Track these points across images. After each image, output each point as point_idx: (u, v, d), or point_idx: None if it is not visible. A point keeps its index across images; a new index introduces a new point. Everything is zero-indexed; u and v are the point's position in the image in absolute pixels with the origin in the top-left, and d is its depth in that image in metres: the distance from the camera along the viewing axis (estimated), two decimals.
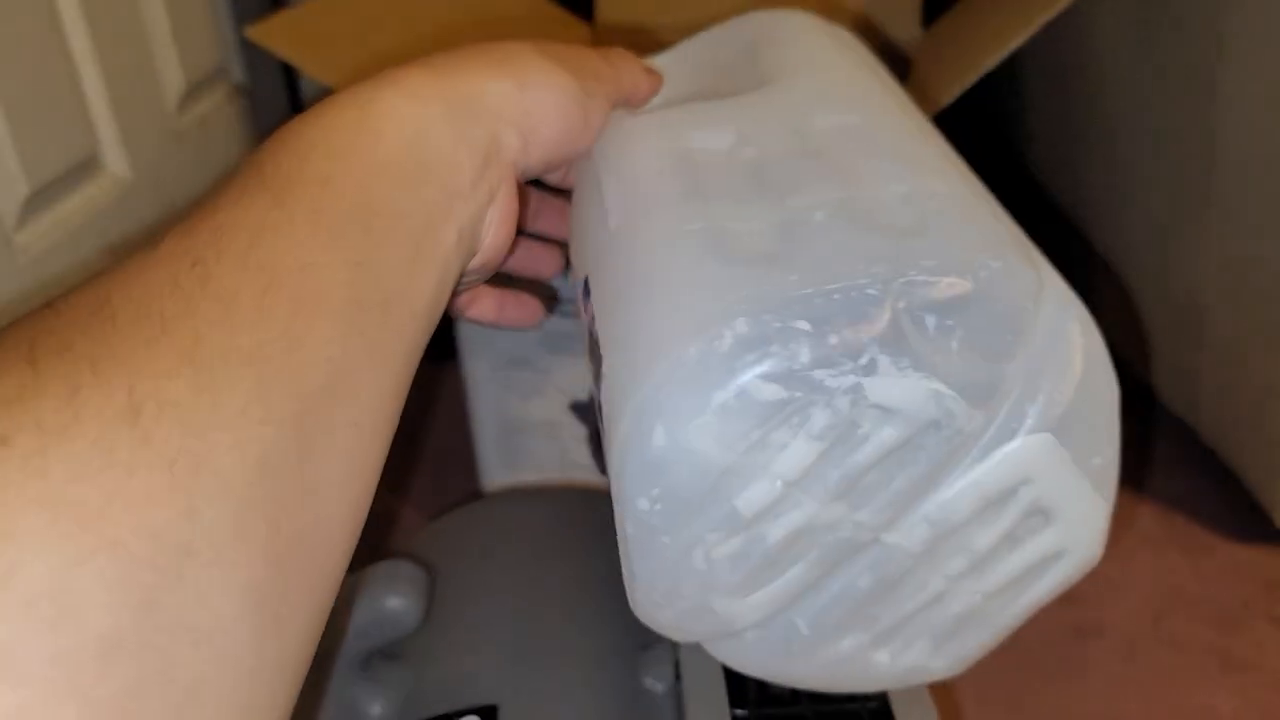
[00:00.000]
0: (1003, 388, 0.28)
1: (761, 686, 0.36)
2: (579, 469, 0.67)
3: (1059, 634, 0.63)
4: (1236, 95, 0.62)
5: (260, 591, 0.23)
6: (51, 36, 0.77)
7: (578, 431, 0.66)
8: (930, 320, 0.27)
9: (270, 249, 0.25)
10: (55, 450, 0.20)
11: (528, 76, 0.34)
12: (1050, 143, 0.90)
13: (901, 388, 0.27)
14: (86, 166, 0.82)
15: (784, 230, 0.29)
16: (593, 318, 0.31)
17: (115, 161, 0.86)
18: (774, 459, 0.27)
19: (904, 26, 0.72)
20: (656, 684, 0.40)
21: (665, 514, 0.28)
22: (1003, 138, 0.99)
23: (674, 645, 0.39)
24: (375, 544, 0.51)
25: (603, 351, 0.30)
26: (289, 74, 1.15)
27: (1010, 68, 0.93)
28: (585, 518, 0.48)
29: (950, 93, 0.55)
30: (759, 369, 0.26)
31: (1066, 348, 0.28)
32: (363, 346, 0.27)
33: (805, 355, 0.26)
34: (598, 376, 0.30)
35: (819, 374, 0.26)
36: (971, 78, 0.54)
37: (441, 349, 0.91)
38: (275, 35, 0.58)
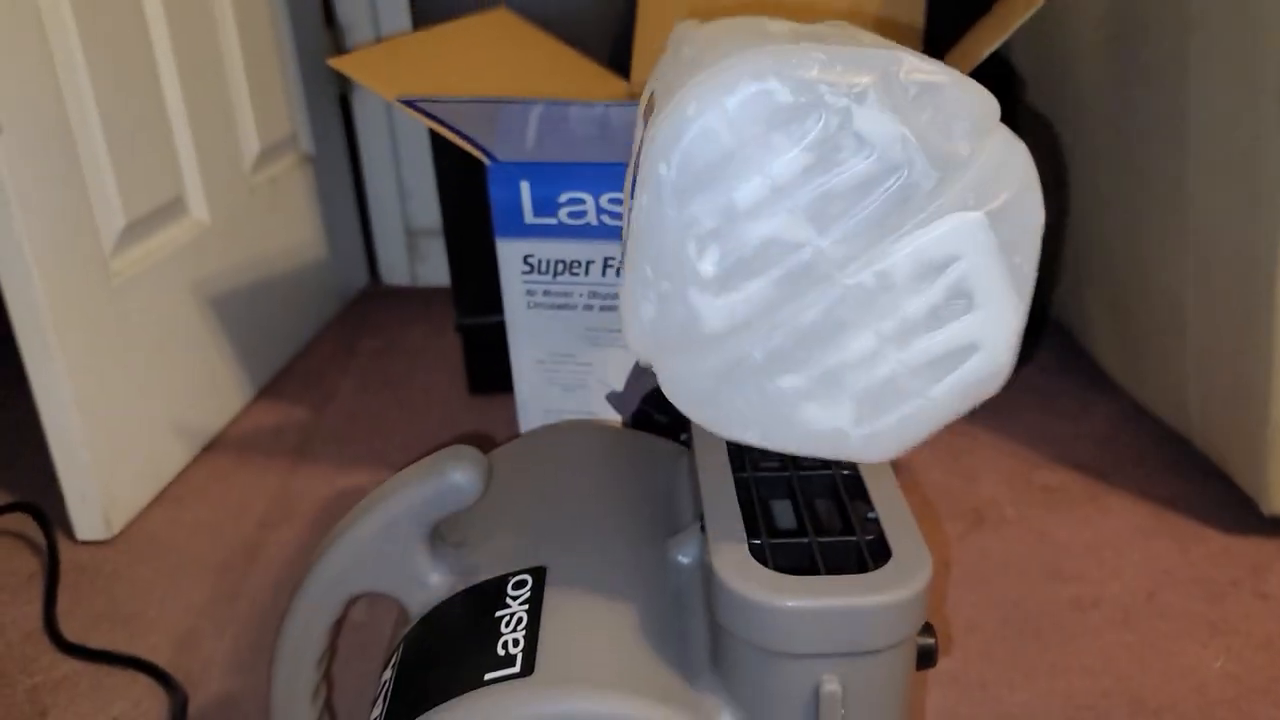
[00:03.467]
0: (954, 163, 0.36)
1: (770, 523, 0.42)
2: None
3: (1057, 606, 0.68)
4: (1201, 112, 0.70)
5: None
6: (151, 96, 0.88)
7: (614, 419, 0.72)
8: (912, 89, 0.35)
9: None
10: None
11: None
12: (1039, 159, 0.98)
13: (880, 124, 0.35)
14: (174, 209, 0.92)
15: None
16: (653, 93, 0.39)
17: (198, 207, 0.95)
18: (770, 161, 0.35)
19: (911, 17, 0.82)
20: (684, 558, 0.46)
21: (678, 184, 0.35)
22: None
23: (701, 528, 0.45)
24: None
25: (658, 102, 0.38)
26: (352, 146, 1.26)
27: (1007, 106, 1.02)
28: (624, 440, 0.54)
29: None
30: (778, 76, 0.35)
31: (1012, 163, 0.36)
32: None
33: (814, 71, 0.35)
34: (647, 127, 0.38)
35: (822, 88, 0.35)
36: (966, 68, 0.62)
37: (495, 382, 0.98)
38: (352, 65, 0.67)
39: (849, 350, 0.37)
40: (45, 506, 0.86)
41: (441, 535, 0.48)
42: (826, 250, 0.36)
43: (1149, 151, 0.77)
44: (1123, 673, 0.62)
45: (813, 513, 0.43)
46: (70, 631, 0.72)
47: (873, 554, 0.40)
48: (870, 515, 0.42)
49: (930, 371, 0.38)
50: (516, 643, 0.40)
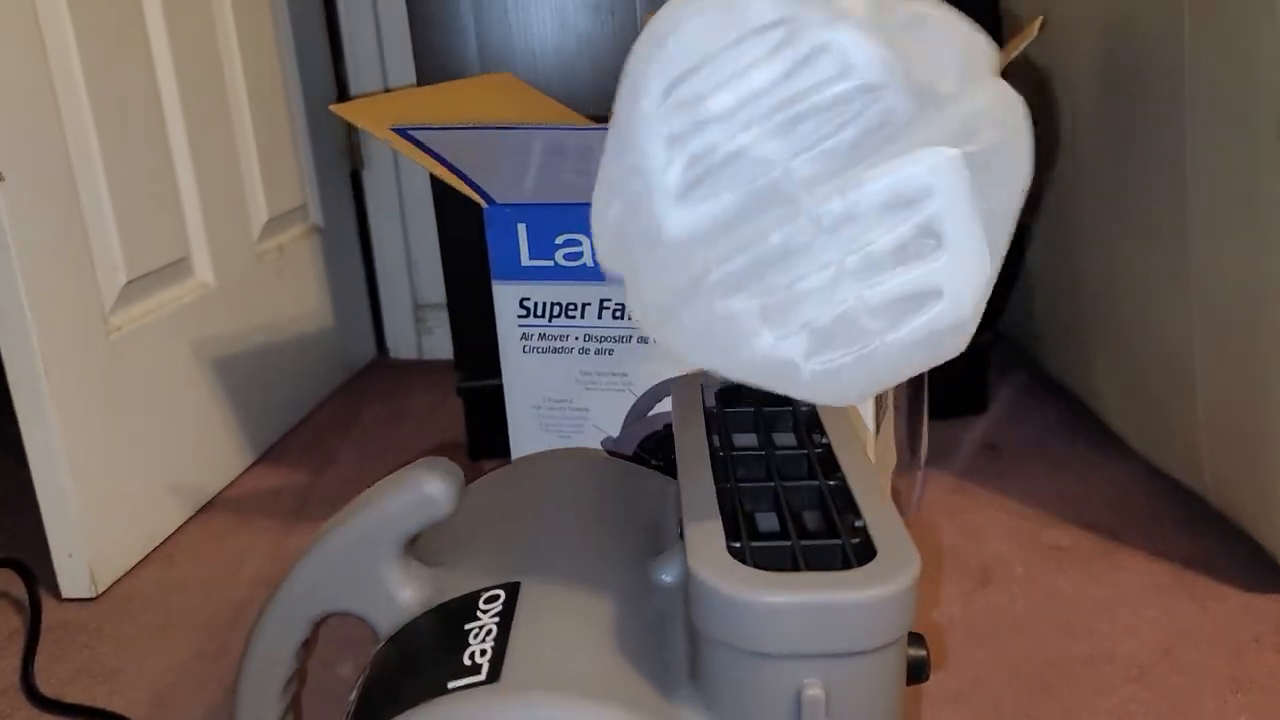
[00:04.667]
0: (936, 97, 0.35)
1: (751, 526, 0.40)
2: None
3: (1069, 662, 0.65)
4: (1200, 159, 0.70)
5: None
6: (158, 156, 0.89)
7: None
8: (902, 17, 0.34)
9: None
10: None
11: None
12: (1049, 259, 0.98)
13: (860, 44, 0.34)
14: (178, 269, 0.92)
15: None
16: None
17: (203, 269, 0.96)
18: (745, 71, 0.34)
19: None
20: (666, 577, 0.44)
21: (657, 82, 0.35)
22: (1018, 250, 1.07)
23: (682, 541, 0.43)
24: None
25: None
26: (362, 222, 1.27)
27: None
28: (612, 468, 0.53)
29: None
30: None
31: (1003, 111, 0.35)
32: None
33: None
34: None
35: (806, 2, 0.34)
36: None
37: (495, 448, 0.97)
38: (352, 110, 0.68)
39: (808, 279, 0.36)
40: (35, 563, 0.85)
41: (416, 557, 0.46)
42: (795, 170, 0.35)
43: (1149, 204, 0.76)
44: None
45: (799, 523, 0.42)
46: (48, 687, 0.69)
47: (858, 556, 0.38)
48: (858, 524, 0.40)
49: (890, 312, 0.36)
50: (484, 652, 0.38)
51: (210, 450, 0.95)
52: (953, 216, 0.36)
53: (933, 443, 0.97)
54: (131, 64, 0.86)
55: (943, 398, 1.02)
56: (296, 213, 1.13)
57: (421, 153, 0.66)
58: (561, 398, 0.70)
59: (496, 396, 0.98)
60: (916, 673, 0.38)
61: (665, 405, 0.69)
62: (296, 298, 1.11)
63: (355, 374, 1.26)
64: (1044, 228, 0.98)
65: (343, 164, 1.23)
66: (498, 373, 0.98)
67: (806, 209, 0.35)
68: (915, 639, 0.39)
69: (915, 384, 0.80)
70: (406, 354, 1.32)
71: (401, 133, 0.63)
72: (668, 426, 0.69)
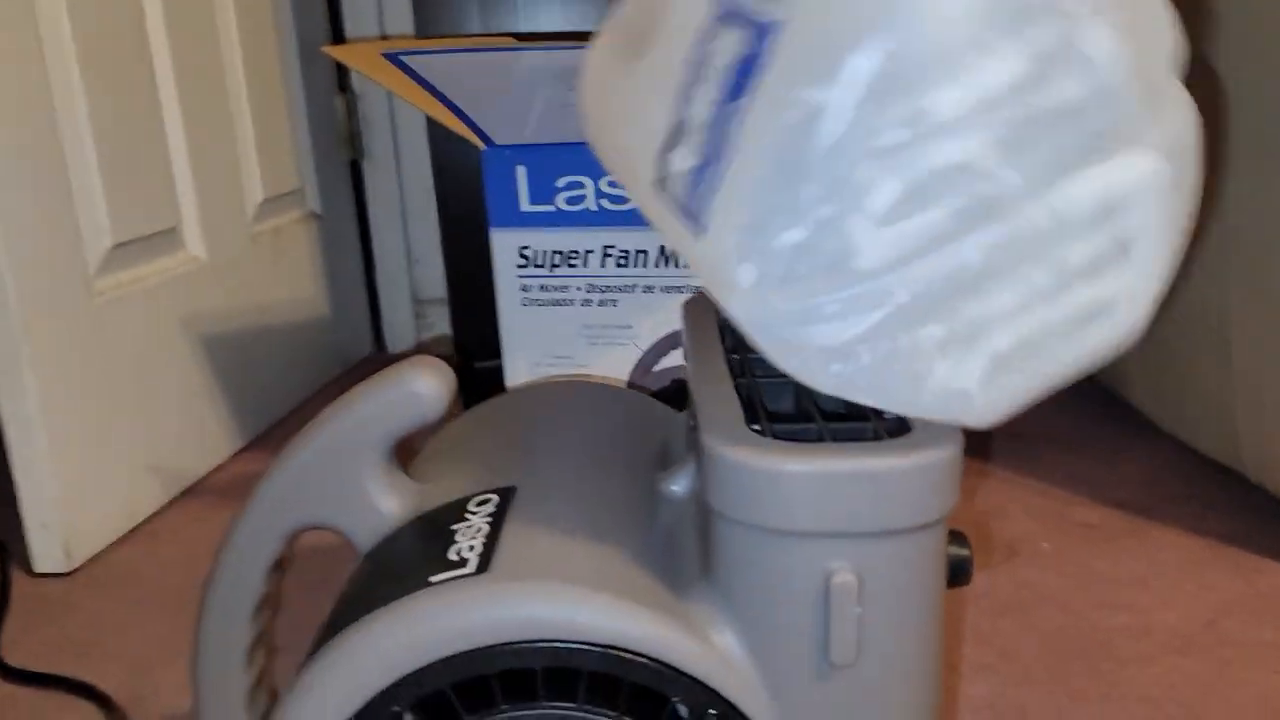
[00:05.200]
0: (1157, 100, 0.30)
1: (771, 414, 0.36)
2: None
3: (1105, 633, 0.60)
4: (1239, 119, 0.67)
5: None
6: (149, 123, 0.86)
7: None
8: (1129, 4, 0.30)
9: None
10: None
11: None
12: None
13: (1107, 42, 0.29)
14: (168, 239, 0.89)
15: None
16: None
17: (194, 242, 0.92)
18: (983, 68, 0.28)
19: None
20: (676, 487, 0.40)
21: (876, 83, 0.28)
22: None
23: (698, 458, 0.39)
24: None
25: None
26: (362, 215, 1.24)
27: None
28: (620, 395, 0.49)
29: None
30: None
31: (1185, 113, 0.32)
32: None
33: None
34: None
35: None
36: None
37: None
38: (345, 53, 0.65)
39: (997, 302, 0.31)
40: (10, 538, 0.80)
41: (406, 472, 0.42)
42: (1005, 181, 0.29)
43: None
44: (1186, 699, 0.54)
45: (823, 413, 0.38)
46: (14, 659, 0.65)
47: (892, 434, 0.34)
48: (889, 414, 0.36)
49: (1068, 330, 0.32)
50: (472, 548, 0.34)
51: (197, 430, 0.91)
52: (1147, 224, 0.31)
53: None
54: (121, 20, 0.83)
55: None
56: (293, 196, 1.10)
57: (415, 88, 0.62)
58: (563, 354, 0.66)
59: (495, 381, 0.94)
60: (958, 573, 0.34)
61: (672, 360, 0.65)
62: (292, 283, 1.08)
63: (351, 367, 1.22)
64: None
65: (342, 153, 1.20)
66: (495, 355, 0.95)
67: (1013, 224, 0.30)
68: (957, 536, 0.35)
69: None
70: (405, 349, 1.29)
71: (392, 59, 0.59)
72: (675, 382, 0.66)
